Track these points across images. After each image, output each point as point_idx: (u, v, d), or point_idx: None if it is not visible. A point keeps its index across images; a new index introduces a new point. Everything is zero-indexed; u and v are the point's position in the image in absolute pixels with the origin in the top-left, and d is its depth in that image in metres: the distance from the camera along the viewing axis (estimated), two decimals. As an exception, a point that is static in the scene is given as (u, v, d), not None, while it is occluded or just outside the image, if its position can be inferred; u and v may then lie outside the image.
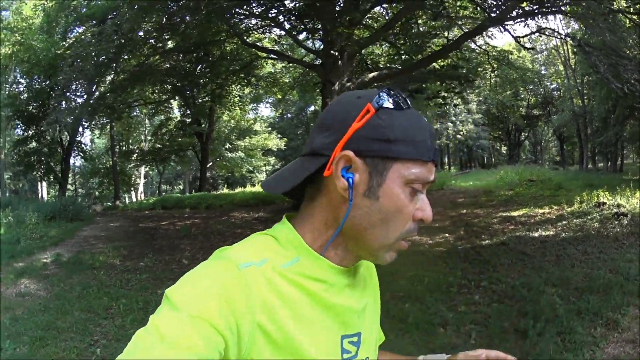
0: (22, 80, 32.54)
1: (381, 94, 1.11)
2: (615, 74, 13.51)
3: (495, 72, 23.94)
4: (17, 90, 33.01)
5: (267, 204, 23.75)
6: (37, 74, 27.25)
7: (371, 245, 1.13)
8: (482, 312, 7.39)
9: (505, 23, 16.90)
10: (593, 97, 39.49)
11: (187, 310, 0.91)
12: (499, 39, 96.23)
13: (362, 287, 1.28)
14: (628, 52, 14.08)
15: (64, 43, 23.02)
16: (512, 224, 14.16)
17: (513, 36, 17.89)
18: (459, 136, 59.84)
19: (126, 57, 18.95)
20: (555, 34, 18.89)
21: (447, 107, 32.05)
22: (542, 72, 51.39)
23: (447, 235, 13.62)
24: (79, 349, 6.88)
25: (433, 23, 18.61)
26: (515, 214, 15.63)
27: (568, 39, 18.91)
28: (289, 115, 64.20)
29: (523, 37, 18.54)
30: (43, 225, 17.10)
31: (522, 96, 53.60)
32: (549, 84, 53.84)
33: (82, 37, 19.27)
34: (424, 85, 21.03)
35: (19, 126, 33.24)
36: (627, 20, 15.72)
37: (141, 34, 17.78)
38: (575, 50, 22.30)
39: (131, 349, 0.87)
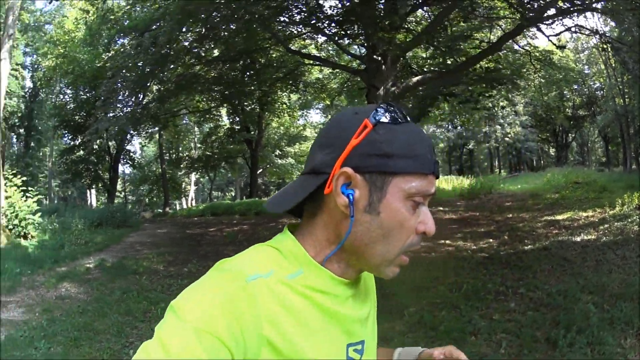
0: (68, 91, 33.41)
1: (378, 109, 1.12)
2: None
3: (538, 73, 23.70)
4: (63, 100, 33.88)
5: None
6: (81, 85, 27.82)
7: (373, 261, 1.13)
8: (515, 321, 7.23)
9: (543, 22, 16.75)
10: (634, 96, 38.54)
11: (193, 323, 0.91)
12: (541, 39, 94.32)
13: (364, 296, 1.28)
14: None
15: (107, 54, 23.32)
16: (555, 228, 13.97)
17: (545, 35, 17.73)
18: (507, 139, 59.14)
19: (170, 67, 19.06)
20: (585, 30, 18.64)
21: (494, 109, 31.73)
22: (586, 71, 50.64)
23: (491, 240, 13.50)
24: (113, 350, 7.02)
25: (471, 24, 18.48)
26: (559, 217, 15.46)
27: (595, 36, 18.62)
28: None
29: (555, 35, 18.41)
30: (89, 231, 17.49)
31: (568, 97, 52.90)
32: (592, 83, 52.96)
33: (122, 49, 19.51)
34: (470, 88, 20.87)
35: (65, 135, 34.02)
36: None
37: (182, 44, 17.96)
38: (604, 50, 21.82)
39: None
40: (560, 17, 16.41)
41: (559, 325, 6.73)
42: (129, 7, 19.09)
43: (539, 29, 17.33)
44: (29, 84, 40.23)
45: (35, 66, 38.92)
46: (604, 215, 14.29)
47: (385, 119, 1.10)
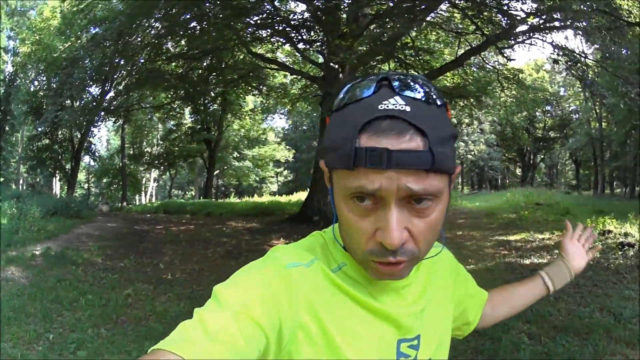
0: (42, 78, 33.35)
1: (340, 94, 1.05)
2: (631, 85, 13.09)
3: (505, 91, 23.64)
4: (36, 87, 33.85)
5: (266, 214, 23.76)
6: (53, 73, 27.65)
7: (350, 249, 1.05)
8: (451, 348, 6.78)
9: (513, 38, 16.58)
10: (612, 120, 39.01)
11: (232, 307, 0.90)
12: (519, 59, 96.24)
13: (420, 287, 1.20)
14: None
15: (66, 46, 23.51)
16: (506, 249, 13.74)
17: (505, 46, 17.47)
18: (469, 156, 59.48)
19: (129, 61, 19.10)
20: (551, 47, 18.39)
21: (459, 125, 31.83)
22: (562, 93, 51.14)
23: (431, 258, 13.29)
24: (37, 333, 7.10)
25: (437, 38, 18.37)
26: (512, 238, 15.31)
27: (561, 53, 18.42)
28: (303, 127, 64.50)
29: (518, 42, 18.18)
30: (44, 219, 17.65)
31: (540, 118, 53.30)
32: (567, 105, 53.69)
33: (78, 41, 19.37)
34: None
35: (35, 122, 33.99)
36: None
37: (137, 40, 17.85)
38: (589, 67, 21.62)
39: (175, 337, 0.85)
40: (531, 34, 16.21)
41: (480, 355, 6.13)
42: None
43: (512, 40, 16.96)
44: (9, 68, 40.18)
45: (16, 51, 38.95)
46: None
47: (339, 105, 1.03)
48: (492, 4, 15.63)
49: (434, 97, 0.96)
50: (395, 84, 0.96)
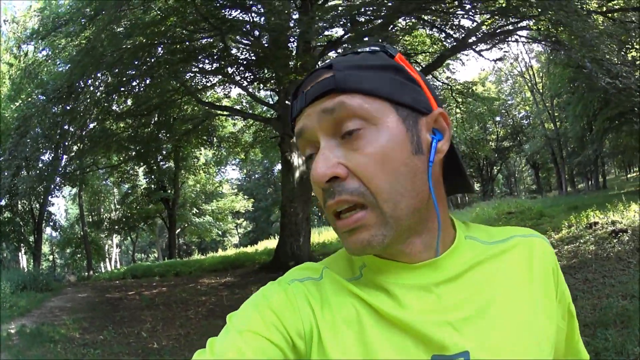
0: None
1: None
2: (602, 70, 13.13)
3: (461, 107, 23.73)
4: None
5: (235, 267, 23.61)
6: (4, 143, 27.20)
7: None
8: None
9: (468, 48, 16.62)
10: (565, 119, 40.02)
11: (236, 327, 0.91)
12: (462, 72, 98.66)
13: (471, 285, 0.97)
14: (607, 50, 13.86)
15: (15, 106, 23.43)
16: (496, 260, 13.54)
17: (476, 51, 17.49)
18: (426, 176, 59.78)
19: (79, 121, 18.82)
20: (526, 40, 18.60)
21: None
22: (509, 101, 52.37)
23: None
24: None
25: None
26: None
27: (541, 41, 18.57)
28: (256, 175, 65.24)
29: (488, 49, 18.34)
30: (15, 295, 17.30)
31: (491, 129, 54.30)
32: (516, 113, 55.36)
33: (28, 99, 19.18)
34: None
35: None
36: (600, 20, 15.66)
37: (89, 97, 17.66)
38: (550, 54, 21.96)
39: None
40: (487, 42, 16.30)
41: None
42: (45, 58, 18.93)
43: (471, 49, 16.88)
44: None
45: None
46: (549, 240, 13.81)
47: None
48: (441, 19, 15.69)
49: (369, 48, 0.98)
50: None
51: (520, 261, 1.02)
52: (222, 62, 17.65)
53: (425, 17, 16.29)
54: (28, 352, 10.24)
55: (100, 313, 15.13)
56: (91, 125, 20.32)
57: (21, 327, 12.54)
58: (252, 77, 18.30)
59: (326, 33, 16.66)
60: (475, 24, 15.37)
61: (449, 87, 21.25)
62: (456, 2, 14.35)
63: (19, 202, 29.69)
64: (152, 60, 15.78)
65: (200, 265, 26.31)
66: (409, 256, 0.96)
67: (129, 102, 20.27)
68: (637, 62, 16.70)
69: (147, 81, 17.61)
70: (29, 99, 19.31)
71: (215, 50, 17.13)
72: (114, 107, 20.16)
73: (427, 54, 19.61)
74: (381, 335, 0.91)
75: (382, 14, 14.54)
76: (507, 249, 1.03)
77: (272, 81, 18.36)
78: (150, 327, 12.43)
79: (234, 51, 17.77)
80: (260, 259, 23.84)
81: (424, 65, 19.27)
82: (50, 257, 55.19)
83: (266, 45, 16.67)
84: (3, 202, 28.64)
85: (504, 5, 14.15)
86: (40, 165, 19.94)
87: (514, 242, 1.05)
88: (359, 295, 0.95)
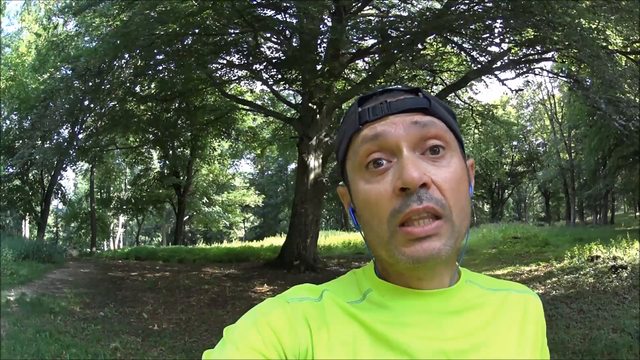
0: (15, 117, 32.75)
1: None
2: (617, 111, 13.23)
3: (479, 128, 23.76)
4: (8, 126, 33.21)
5: (240, 260, 23.47)
6: (25, 111, 27.15)
7: (378, 253, 1.00)
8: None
9: (493, 72, 16.64)
10: (581, 151, 39.99)
11: (234, 341, 0.92)
12: (485, 94, 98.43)
13: (473, 321, 1.02)
14: (628, 91, 13.91)
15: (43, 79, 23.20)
16: (497, 283, 13.67)
17: (500, 79, 17.54)
18: (439, 196, 59.44)
19: (103, 100, 18.88)
20: (549, 73, 18.72)
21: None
22: (528, 127, 52.13)
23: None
24: None
25: (413, 70, 18.38)
26: (499, 272, 15.35)
27: (562, 76, 18.67)
28: (269, 172, 64.72)
29: (513, 78, 18.44)
30: (16, 263, 17.03)
31: (507, 153, 54.10)
32: (534, 139, 54.95)
33: (56, 73, 19.11)
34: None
35: (7, 162, 33.38)
36: (624, 61, 15.50)
37: (118, 77, 17.66)
38: (571, 90, 22.06)
39: None
40: (512, 68, 16.33)
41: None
42: (75, 34, 18.80)
43: (495, 76, 16.98)
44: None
45: None
46: (550, 269, 14.14)
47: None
48: (469, 43, 15.75)
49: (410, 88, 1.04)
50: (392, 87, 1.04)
51: (515, 314, 1.08)
52: (252, 59, 17.65)
53: (454, 38, 16.40)
54: (26, 321, 10.14)
55: (102, 290, 15.10)
56: (111, 104, 20.40)
57: (21, 295, 12.50)
58: (279, 76, 18.34)
59: (355, 40, 16.71)
60: (501, 50, 15.46)
61: (470, 107, 21.26)
62: (485, 27, 14.45)
63: (31, 172, 29.61)
64: (183, 48, 15.85)
65: (205, 254, 26.22)
66: (423, 282, 1.01)
67: (153, 85, 20.23)
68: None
69: (174, 68, 17.63)
70: (57, 73, 19.33)
71: (245, 46, 17.17)
72: (137, 90, 20.17)
73: (453, 72, 19.66)
74: (375, 357, 0.94)
75: (413, 30, 14.62)
76: (505, 300, 1.10)
77: (298, 82, 18.30)
78: (151, 309, 12.42)
79: (263, 49, 17.78)
80: (265, 255, 23.81)
81: (448, 84, 19.37)
82: (54, 230, 55.02)
83: (296, 46, 16.74)
84: (14, 170, 28.69)
85: (532, 37, 14.28)
86: (57, 138, 19.91)
87: (510, 295, 1.11)
88: (358, 317, 0.98)
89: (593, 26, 13.11)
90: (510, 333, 1.04)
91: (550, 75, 19.85)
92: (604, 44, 13.64)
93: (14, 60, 28.42)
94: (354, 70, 20.81)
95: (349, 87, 18.86)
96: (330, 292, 1.02)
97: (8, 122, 33.83)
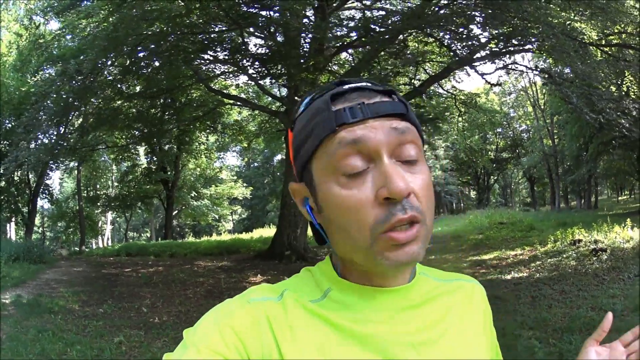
0: None
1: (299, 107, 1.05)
2: (589, 105, 13.55)
3: (463, 116, 23.97)
4: None
5: (231, 252, 23.61)
6: (7, 112, 26.97)
7: (355, 257, 0.98)
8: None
9: (473, 64, 16.86)
10: (563, 136, 40.14)
11: (195, 344, 0.90)
12: (467, 82, 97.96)
13: (430, 314, 1.06)
14: (603, 83, 14.22)
15: (34, 81, 22.92)
16: (483, 267, 14.12)
17: (479, 73, 17.76)
18: (426, 182, 59.10)
19: (92, 99, 18.99)
20: (524, 68, 19.07)
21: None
22: (511, 114, 52.28)
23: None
24: None
25: (397, 66, 18.51)
26: (486, 257, 15.67)
27: (536, 72, 19.04)
28: (255, 164, 64.51)
29: (491, 73, 18.76)
30: (7, 265, 16.90)
31: (491, 140, 54.21)
32: (517, 126, 55.15)
33: (47, 76, 19.11)
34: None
35: None
36: (599, 53, 15.76)
37: (106, 77, 17.74)
38: (545, 85, 22.44)
39: None
40: (492, 59, 16.56)
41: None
42: (59, 33, 18.72)
43: (474, 68, 17.24)
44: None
45: None
46: (534, 252, 14.51)
47: (300, 111, 1.04)
48: (450, 32, 15.94)
49: (384, 88, 1.02)
50: (351, 79, 1.02)
51: (464, 302, 1.14)
52: (238, 55, 17.74)
53: (434, 32, 16.61)
54: (26, 322, 10.17)
55: (98, 287, 15.08)
56: (96, 103, 20.37)
57: (17, 297, 12.47)
58: (265, 71, 18.44)
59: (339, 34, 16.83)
60: (480, 43, 15.66)
61: (453, 96, 21.41)
62: (466, 20, 14.66)
63: (17, 173, 29.19)
64: (170, 46, 15.91)
65: (195, 248, 26.24)
66: (390, 280, 1.03)
67: (137, 82, 20.24)
68: (632, 96, 17.07)
69: (160, 65, 17.65)
70: (47, 75, 19.34)
71: (230, 42, 17.26)
72: (123, 88, 20.19)
73: (435, 62, 19.82)
74: (345, 353, 0.94)
75: (395, 25, 14.79)
76: (454, 289, 1.15)
77: (283, 77, 18.41)
78: (150, 303, 12.50)
79: (249, 45, 17.92)
80: (255, 246, 23.99)
81: (431, 74, 19.60)
82: (40, 230, 54.48)
83: (281, 42, 16.91)
84: (8, 172, 28.61)
85: (509, 31, 14.57)
86: (49, 139, 19.89)
87: (458, 285, 1.17)
88: (323, 315, 0.98)
89: (566, 22, 13.49)
90: (463, 322, 1.10)
91: (526, 70, 20.13)
92: (581, 36, 13.97)
93: (-7, 61, 28.26)
94: (337, 62, 20.96)
95: (332, 79, 19.01)
96: (290, 292, 1.02)
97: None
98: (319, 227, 1.04)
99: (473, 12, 14.16)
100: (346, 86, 0.99)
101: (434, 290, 1.11)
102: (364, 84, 1.00)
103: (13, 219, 36.65)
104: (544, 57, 18.58)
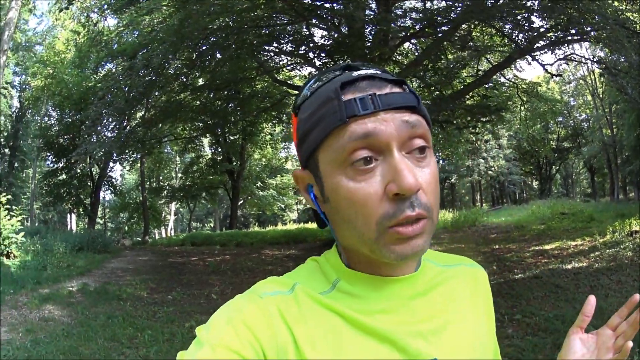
0: (53, 113, 33.18)
1: (302, 91, 1.07)
2: None
3: (525, 105, 23.79)
4: (48, 122, 33.70)
5: (298, 242, 23.80)
6: (68, 107, 27.52)
7: (360, 248, 0.99)
8: (515, 346, 7.11)
9: (533, 54, 16.80)
10: (622, 126, 39.10)
11: (209, 342, 0.90)
12: (528, 71, 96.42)
13: (437, 300, 1.08)
14: None
15: (95, 77, 23.44)
16: (545, 257, 14.08)
17: (541, 64, 17.73)
18: (490, 172, 59.23)
19: (157, 93, 19.21)
20: (582, 59, 18.92)
21: (478, 142, 31.66)
22: (571, 103, 51.83)
23: (479, 270, 13.57)
24: None
25: (461, 55, 18.48)
26: (547, 247, 15.59)
27: (593, 63, 18.90)
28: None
29: (551, 64, 18.73)
30: (71, 255, 17.27)
31: (552, 129, 53.66)
32: (578, 115, 54.08)
33: (113, 71, 19.42)
34: (454, 122, 20.70)
35: (49, 158, 33.76)
36: None
37: (171, 70, 17.97)
38: (602, 75, 22.22)
39: None
40: (551, 48, 16.47)
41: (560, 347, 6.62)
42: (119, 30, 18.97)
43: (535, 59, 17.24)
44: (15, 103, 40.02)
45: (24, 86, 38.62)
46: (594, 243, 14.48)
47: (302, 98, 1.05)
48: (511, 23, 15.88)
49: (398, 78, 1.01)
50: (359, 65, 1.03)
51: (467, 287, 1.16)
52: (304, 47, 17.88)
53: (494, 23, 16.56)
54: (94, 309, 10.46)
55: (166, 275, 15.42)
56: (158, 95, 20.63)
57: (83, 285, 12.81)
58: (331, 62, 18.45)
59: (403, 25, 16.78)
60: (539, 32, 15.57)
61: (515, 85, 21.25)
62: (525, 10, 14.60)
63: (78, 165, 29.93)
64: (236, 40, 16.04)
65: (262, 237, 26.40)
66: (396, 270, 1.04)
67: (199, 75, 20.44)
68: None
69: (223, 57, 17.76)
70: (113, 70, 19.61)
71: (293, 34, 17.42)
72: (183, 80, 20.36)
73: (497, 51, 19.70)
74: (358, 345, 0.95)
75: (456, 17, 14.80)
76: (457, 274, 1.17)
77: None
78: (219, 291, 12.80)
79: (316, 38, 17.99)
80: (322, 235, 23.76)
81: (493, 63, 19.55)
82: (101, 221, 54.88)
83: (345, 33, 17.01)
84: (78, 164, 28.82)
85: (566, 20, 14.52)
86: (118, 131, 20.25)
87: (461, 270, 1.19)
88: (334, 307, 0.98)
89: (618, 12, 13.38)
90: (467, 307, 1.12)
91: (584, 60, 19.97)
92: (634, 26, 13.86)
93: (51, 58, 28.80)
94: (400, 52, 20.97)
95: (397, 70, 18.98)
96: (302, 285, 1.02)
97: (46, 119, 34.44)
98: (322, 215, 1.05)
99: (532, 1, 14.14)
100: (356, 73, 0.98)
101: (438, 276, 1.13)
102: (373, 71, 0.99)
103: (74, 211, 37.27)
104: (601, 47, 18.40)
